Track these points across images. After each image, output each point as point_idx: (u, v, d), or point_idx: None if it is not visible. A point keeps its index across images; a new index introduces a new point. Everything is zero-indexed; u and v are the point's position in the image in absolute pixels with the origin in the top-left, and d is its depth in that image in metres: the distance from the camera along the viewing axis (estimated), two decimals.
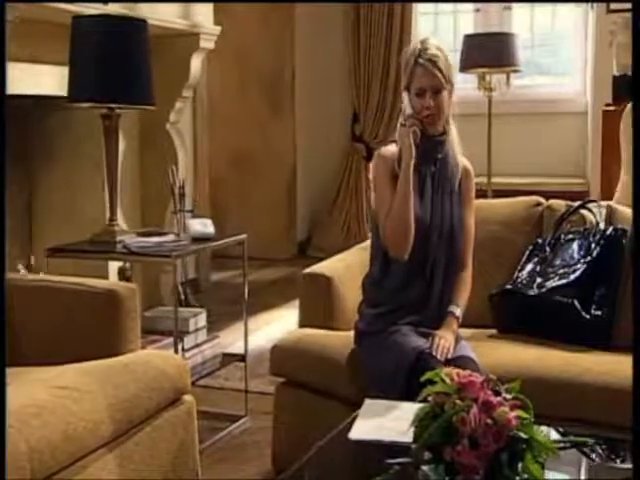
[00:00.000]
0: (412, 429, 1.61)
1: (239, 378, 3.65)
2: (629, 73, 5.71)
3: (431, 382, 2.16)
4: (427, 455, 1.56)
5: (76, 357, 2.29)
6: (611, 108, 5.64)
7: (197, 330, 3.01)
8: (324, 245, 6.74)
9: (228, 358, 3.16)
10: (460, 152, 2.48)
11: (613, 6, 6.05)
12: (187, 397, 2.41)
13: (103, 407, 2.06)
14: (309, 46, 6.68)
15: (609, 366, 2.26)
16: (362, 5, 6.52)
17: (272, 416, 3.18)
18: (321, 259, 6.91)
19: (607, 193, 5.49)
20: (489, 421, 1.50)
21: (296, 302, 5.27)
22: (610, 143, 5.60)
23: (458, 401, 1.53)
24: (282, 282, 5.98)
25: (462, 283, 2.43)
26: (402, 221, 2.32)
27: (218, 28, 4.62)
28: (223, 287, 5.76)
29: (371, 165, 2.51)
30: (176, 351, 2.73)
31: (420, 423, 1.56)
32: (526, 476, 1.51)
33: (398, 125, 2.44)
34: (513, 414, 1.52)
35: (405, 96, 2.44)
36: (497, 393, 1.56)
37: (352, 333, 2.56)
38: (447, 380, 1.59)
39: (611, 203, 2.65)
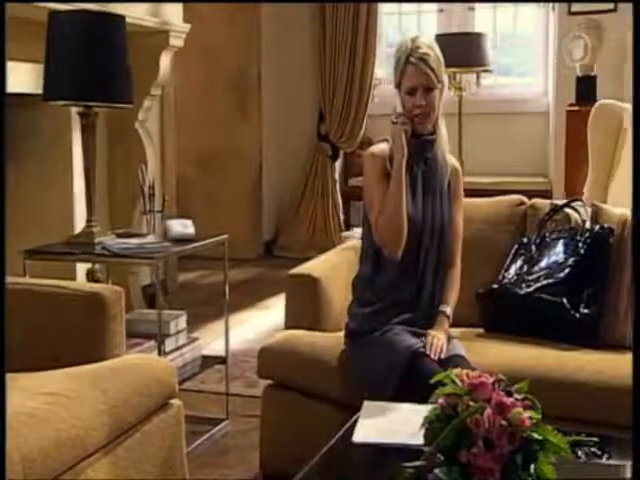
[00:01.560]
0: (422, 431, 1.60)
1: (216, 380, 3.61)
2: (592, 74, 5.81)
3: (427, 381, 2.18)
4: (439, 458, 1.55)
5: (61, 362, 2.23)
6: (575, 108, 5.72)
7: (178, 332, 2.96)
8: (290, 245, 6.72)
9: (208, 360, 3.11)
10: (448, 150, 2.48)
11: (574, 8, 6.14)
12: (175, 401, 2.36)
13: (94, 413, 2.01)
14: (275, 45, 6.64)
15: (600, 364, 2.27)
16: (328, 5, 6.50)
17: (257, 419, 3.16)
18: (288, 259, 6.93)
19: (572, 192, 5.57)
20: (503, 422, 1.49)
21: (266, 302, 5.33)
22: (574, 143, 5.68)
23: (471, 402, 1.52)
24: (250, 283, 5.94)
25: (452, 281, 2.43)
26: (395, 220, 2.31)
27: (187, 26, 4.56)
28: (191, 288, 5.69)
29: (364, 165, 2.48)
30: (160, 354, 2.68)
31: (432, 425, 1.54)
32: (541, 478, 1.50)
33: (394, 123, 2.42)
34: (526, 415, 1.51)
35: (396, 94, 2.43)
36: (509, 394, 1.55)
37: (341, 334, 2.54)
38: (457, 381, 1.57)
39: (596, 202, 2.67)
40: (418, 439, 1.72)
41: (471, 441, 1.49)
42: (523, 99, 6.75)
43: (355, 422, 1.88)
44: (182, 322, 3.01)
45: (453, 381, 1.57)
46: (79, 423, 1.95)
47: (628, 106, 4.62)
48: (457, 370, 1.60)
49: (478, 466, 1.48)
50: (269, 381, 2.59)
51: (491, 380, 1.57)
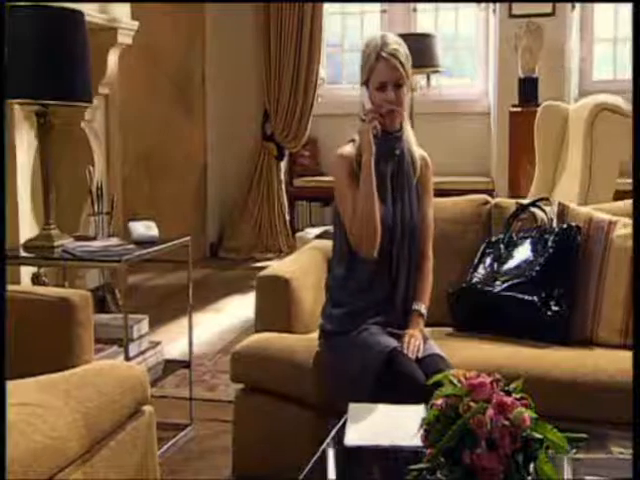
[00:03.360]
0: (415, 432, 1.59)
1: (174, 385, 3.54)
2: (534, 75, 5.93)
3: (402, 381, 2.18)
4: (440, 459, 1.54)
5: (29, 370, 2.15)
6: (518, 109, 5.84)
7: (141, 337, 2.89)
8: (236, 246, 6.67)
9: (171, 365, 3.05)
10: (416, 144, 2.48)
11: (515, 11, 6.26)
12: (147, 408, 2.30)
13: (69, 423, 1.94)
14: (220, 44, 6.57)
15: (575, 361, 2.31)
16: (272, 4, 6.46)
17: (221, 423, 3.14)
18: (233, 260, 6.84)
19: (516, 191, 5.68)
20: (506, 422, 1.50)
21: (216, 305, 5.27)
22: (517, 143, 5.80)
23: (472, 403, 1.52)
24: (197, 285, 5.82)
25: (425, 276, 2.43)
26: (369, 219, 2.30)
27: (136, 23, 4.47)
28: (138, 291, 5.58)
29: (332, 166, 2.46)
30: (126, 359, 2.61)
31: (433, 427, 1.53)
32: (541, 477, 1.51)
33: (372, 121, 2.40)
34: (527, 414, 1.52)
35: (364, 91, 2.42)
36: (508, 393, 1.56)
37: (313, 335, 2.52)
38: (456, 382, 1.57)
39: (562, 201, 2.71)
40: (412, 440, 1.72)
41: (474, 442, 1.49)
42: (464, 100, 6.84)
43: (344, 425, 1.85)
44: (144, 326, 2.94)
45: (452, 382, 1.57)
46: (55, 434, 1.88)
47: (572, 107, 4.74)
48: (455, 371, 1.60)
49: (482, 467, 1.48)
50: (237, 385, 2.54)
51: (489, 380, 1.57)
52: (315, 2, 6.39)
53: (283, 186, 6.71)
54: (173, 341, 4.01)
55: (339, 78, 7.23)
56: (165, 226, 5.98)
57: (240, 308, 5.06)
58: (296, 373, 2.40)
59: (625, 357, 2.36)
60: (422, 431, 1.58)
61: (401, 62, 2.36)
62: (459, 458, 1.51)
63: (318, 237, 4.24)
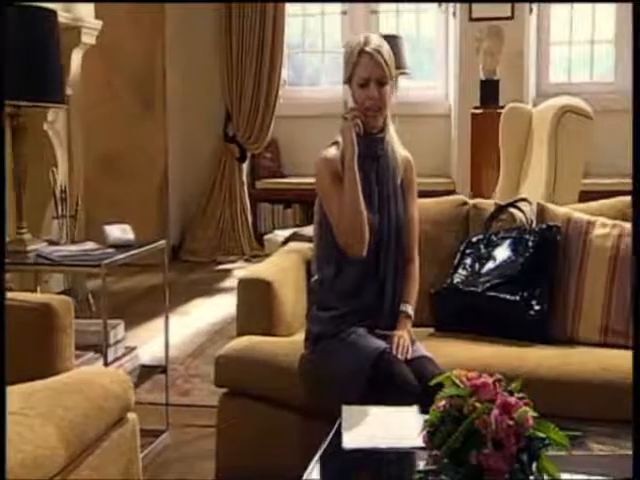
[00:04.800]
0: (414, 434, 1.60)
1: (147, 390, 3.48)
2: (495, 77, 6.00)
3: (393, 383, 2.18)
4: (444, 460, 1.54)
5: (10, 378, 2.08)
6: (480, 111, 5.90)
7: (117, 342, 2.83)
8: (198, 248, 6.60)
9: (147, 370, 3.00)
10: (400, 145, 2.48)
11: (475, 14, 6.32)
12: (131, 415, 2.26)
13: (56, 432, 1.89)
14: (180, 43, 6.50)
15: (559, 359, 2.34)
16: (234, 4, 6.42)
17: (197, 428, 3.11)
18: (195, 263, 6.77)
19: (478, 191, 5.74)
20: (510, 422, 1.50)
21: (182, 308, 5.20)
22: (479, 144, 5.86)
23: (477, 404, 1.52)
24: (160, 288, 5.76)
25: (411, 277, 2.43)
26: (356, 218, 2.29)
27: (99, 23, 4.41)
28: (98, 296, 5.48)
29: (316, 169, 2.43)
30: (105, 365, 2.56)
31: (439, 428, 1.53)
32: (544, 476, 1.52)
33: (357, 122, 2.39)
34: (530, 413, 1.53)
35: (346, 90, 2.41)
36: (510, 393, 1.57)
37: (297, 338, 2.51)
38: (459, 383, 1.57)
39: (541, 201, 2.74)
40: (411, 442, 1.72)
41: (480, 442, 1.49)
42: (425, 102, 6.89)
43: (338, 428, 1.84)
44: (120, 331, 2.89)
45: (455, 383, 1.57)
46: (44, 443, 1.83)
47: (535, 109, 4.81)
48: (457, 371, 1.60)
49: (489, 467, 1.49)
50: (211, 389, 2.52)
51: (491, 380, 1.58)
52: (277, 1, 6.36)
53: (245, 188, 6.68)
54: (144, 345, 3.95)
55: (300, 80, 7.22)
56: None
57: (207, 311, 5.01)
58: (282, 376, 2.38)
59: (607, 355, 2.40)
60: (425, 433, 1.58)
61: (384, 60, 2.36)
62: (464, 459, 1.51)
63: (288, 239, 4.22)
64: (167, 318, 3.09)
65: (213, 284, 5.84)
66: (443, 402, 1.57)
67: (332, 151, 2.42)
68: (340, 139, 2.43)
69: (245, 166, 6.73)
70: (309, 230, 4.40)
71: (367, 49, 2.36)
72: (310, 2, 6.88)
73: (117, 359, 2.83)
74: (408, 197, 2.46)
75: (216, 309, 5.07)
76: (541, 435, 1.53)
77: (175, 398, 3.37)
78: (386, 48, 2.39)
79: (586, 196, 4.19)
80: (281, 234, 4.51)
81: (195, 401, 3.47)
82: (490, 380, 1.58)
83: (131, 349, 2.98)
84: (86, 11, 4.30)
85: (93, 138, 6.12)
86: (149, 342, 4.03)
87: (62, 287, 4.59)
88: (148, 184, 6.44)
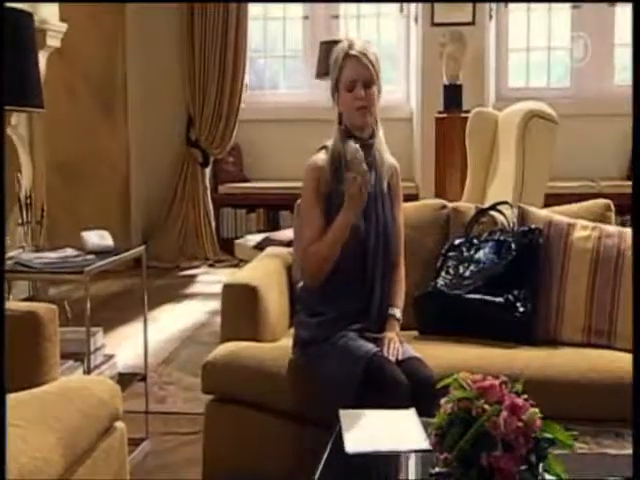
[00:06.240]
0: (430, 437, 1.60)
1: (123, 398, 3.43)
2: (458, 82, 6.07)
3: (386, 385, 2.18)
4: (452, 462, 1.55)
5: None
6: (443, 115, 5.96)
7: (96, 350, 2.79)
8: (160, 254, 6.52)
9: (127, 378, 2.95)
10: (387, 151, 2.49)
11: (437, 19, 6.38)
12: (119, 424, 2.23)
13: (50, 443, 1.86)
14: (141, 46, 6.42)
15: (545, 360, 2.37)
16: (196, 5, 6.35)
17: (177, 436, 3.08)
18: (158, 268, 6.68)
19: (443, 195, 5.79)
20: (519, 424, 1.52)
21: (149, 315, 5.11)
22: (443, 148, 5.93)
23: (486, 406, 1.53)
24: (125, 295, 5.69)
25: (398, 282, 2.45)
26: (325, 262, 2.30)
27: (64, 25, 4.33)
28: (60, 304, 5.38)
29: (304, 176, 2.42)
30: (89, 373, 2.51)
31: (448, 431, 1.54)
32: (552, 477, 1.54)
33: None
34: (538, 415, 1.55)
35: (335, 99, 2.41)
36: (517, 394, 1.58)
37: (283, 343, 2.51)
38: (465, 385, 1.58)
39: (522, 204, 2.78)
40: (413, 444, 1.73)
41: (491, 444, 1.50)
42: (386, 106, 6.88)
43: (339, 433, 1.84)
44: (99, 339, 2.84)
45: (462, 385, 1.58)
46: (38, 454, 1.80)
47: (501, 113, 4.87)
48: (462, 374, 1.61)
49: (499, 468, 1.50)
50: (210, 396, 2.49)
51: (497, 382, 1.59)
52: (240, 1, 6.32)
53: (208, 193, 6.63)
54: (114, 352, 3.89)
55: (261, 84, 7.20)
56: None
57: (176, 317, 4.96)
58: (269, 382, 2.37)
59: (592, 355, 2.44)
60: (432, 436, 1.59)
61: (370, 61, 2.37)
62: (473, 461, 1.52)
63: (260, 244, 4.21)
64: (145, 325, 3.04)
65: (179, 290, 5.78)
66: (450, 405, 1.58)
67: (321, 156, 2.42)
68: (329, 143, 2.43)
69: (208, 171, 6.68)
70: (282, 235, 4.40)
71: (352, 52, 2.36)
72: (273, 2, 6.83)
73: (96, 367, 2.79)
74: (395, 203, 2.48)
75: (184, 315, 5.02)
76: (547, 436, 1.55)
77: (152, 406, 3.32)
78: (371, 51, 2.39)
79: (550, 199, 4.27)
80: (252, 239, 4.49)
81: (170, 408, 3.43)
82: (496, 382, 1.59)
83: (109, 357, 2.93)
84: (51, 13, 4.22)
85: (53, 143, 6.01)
86: (119, 349, 3.97)
87: (25, 294, 4.48)
88: (109, 189, 6.35)
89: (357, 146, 2.25)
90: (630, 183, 6.96)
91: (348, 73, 2.36)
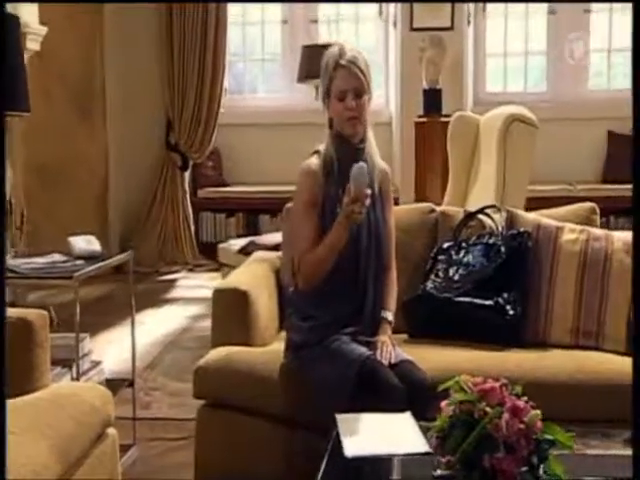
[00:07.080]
0: (431, 440, 1.61)
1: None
2: (437, 87, 6.10)
3: (380, 388, 2.19)
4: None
5: None
6: (423, 119, 5.98)
7: (84, 356, 2.76)
8: (139, 258, 6.46)
9: (116, 384, 2.93)
10: (378, 155, 2.50)
11: (416, 24, 6.42)
12: (111, 430, 2.22)
13: (45, 450, 1.85)
14: (120, 46, 6.37)
15: (535, 362, 2.39)
16: (175, 6, 6.32)
17: (164, 442, 3.06)
18: (138, 273, 6.63)
19: (422, 198, 5.81)
20: (521, 426, 1.53)
21: (129, 320, 5.08)
22: (423, 152, 5.95)
23: (488, 408, 1.54)
24: (105, 300, 5.65)
25: (390, 285, 2.45)
26: (321, 270, 2.30)
27: (44, 29, 4.29)
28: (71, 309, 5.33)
29: (298, 180, 2.42)
30: (77, 380, 2.49)
31: (450, 434, 1.55)
32: (552, 477, 1.56)
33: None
34: (539, 417, 1.56)
35: (326, 106, 2.41)
36: (517, 396, 1.59)
37: (274, 347, 2.50)
38: (466, 388, 1.59)
39: (510, 208, 2.80)
40: (411, 447, 1.74)
41: (493, 446, 1.51)
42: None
43: (337, 437, 1.84)
44: (87, 345, 2.81)
45: (463, 388, 1.59)
46: (35, 461, 1.79)
47: (483, 117, 4.90)
48: (464, 376, 1.62)
49: (501, 470, 1.51)
50: (201, 401, 2.48)
51: (498, 385, 1.60)
52: (219, 1, 6.30)
53: (188, 197, 6.60)
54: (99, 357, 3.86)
55: (240, 88, 7.19)
56: (65, 240, 5.77)
57: (158, 322, 4.93)
58: (261, 386, 2.36)
59: (580, 356, 2.47)
60: (434, 438, 1.60)
61: (361, 70, 2.37)
62: (476, 463, 1.53)
63: (244, 248, 4.20)
64: (133, 330, 3.02)
65: (160, 294, 5.75)
66: (452, 407, 1.58)
67: (314, 161, 2.42)
68: (321, 148, 2.43)
69: (187, 175, 6.65)
70: (266, 239, 4.40)
71: (342, 62, 2.36)
72: (250, 1, 6.82)
73: (84, 373, 2.76)
74: (386, 206, 2.48)
75: (166, 320, 4.99)
76: (548, 437, 1.56)
77: (137, 412, 3.30)
78: (361, 58, 2.39)
79: (529, 202, 4.31)
80: (236, 243, 4.48)
81: (156, 414, 3.41)
82: (497, 385, 1.60)
83: (96, 363, 2.90)
84: (31, 16, 4.18)
85: (31, 147, 5.95)
86: (104, 355, 3.93)
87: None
88: (88, 194, 6.30)
89: (364, 168, 2.23)
90: (607, 187, 6.99)
91: (339, 83, 2.36)
